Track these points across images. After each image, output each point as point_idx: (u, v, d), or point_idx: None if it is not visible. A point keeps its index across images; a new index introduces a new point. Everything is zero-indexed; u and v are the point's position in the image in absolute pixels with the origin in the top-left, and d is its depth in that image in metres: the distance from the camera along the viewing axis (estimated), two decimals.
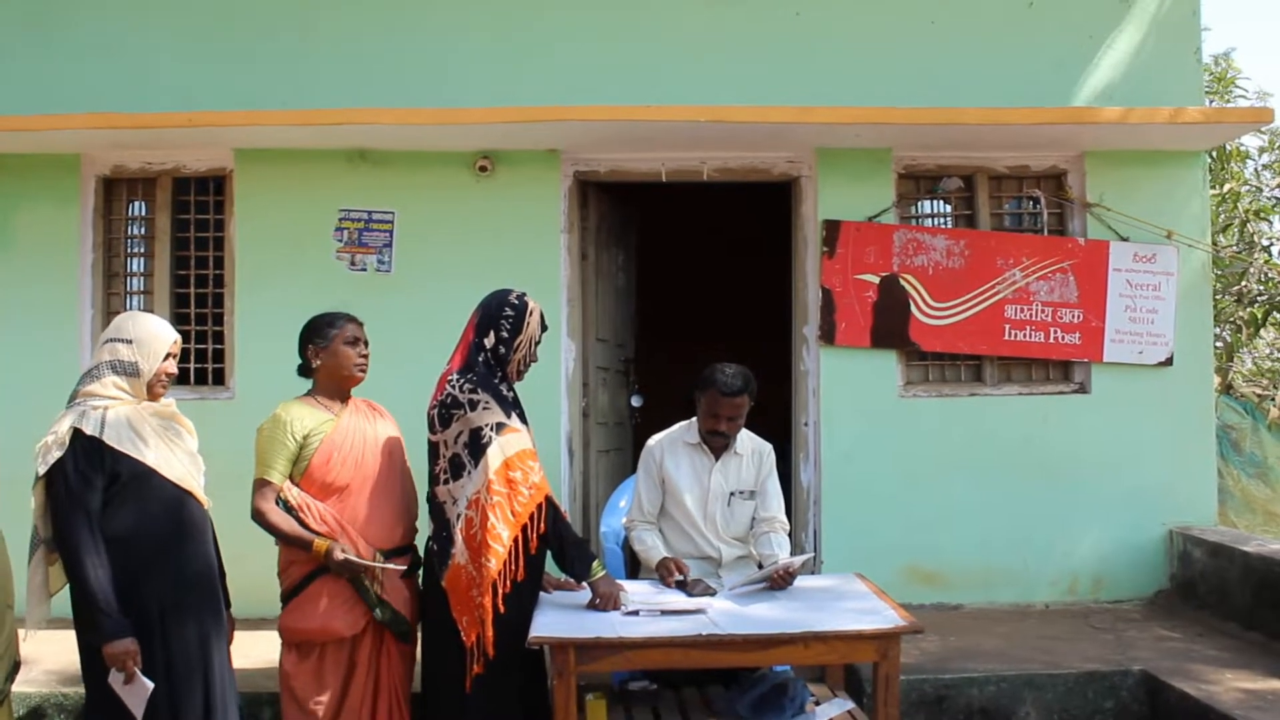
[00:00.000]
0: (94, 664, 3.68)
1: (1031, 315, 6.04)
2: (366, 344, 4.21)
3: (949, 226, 6.26)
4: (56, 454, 3.60)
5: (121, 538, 3.63)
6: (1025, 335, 6.05)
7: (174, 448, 3.79)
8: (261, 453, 4.01)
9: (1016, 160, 6.21)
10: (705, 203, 8.34)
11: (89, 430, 3.61)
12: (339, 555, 3.89)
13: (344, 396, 4.20)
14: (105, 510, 3.63)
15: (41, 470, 3.63)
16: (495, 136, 5.84)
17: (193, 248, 6.25)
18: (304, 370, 4.21)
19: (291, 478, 4.02)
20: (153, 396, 3.81)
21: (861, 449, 6.04)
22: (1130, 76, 6.17)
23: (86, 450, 3.60)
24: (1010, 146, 6.11)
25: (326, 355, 4.12)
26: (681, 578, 4.32)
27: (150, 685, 3.60)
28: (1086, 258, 6.06)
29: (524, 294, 4.10)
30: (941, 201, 6.31)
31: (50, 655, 4.95)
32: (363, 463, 4.09)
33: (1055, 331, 6.05)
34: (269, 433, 4.01)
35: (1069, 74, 6.16)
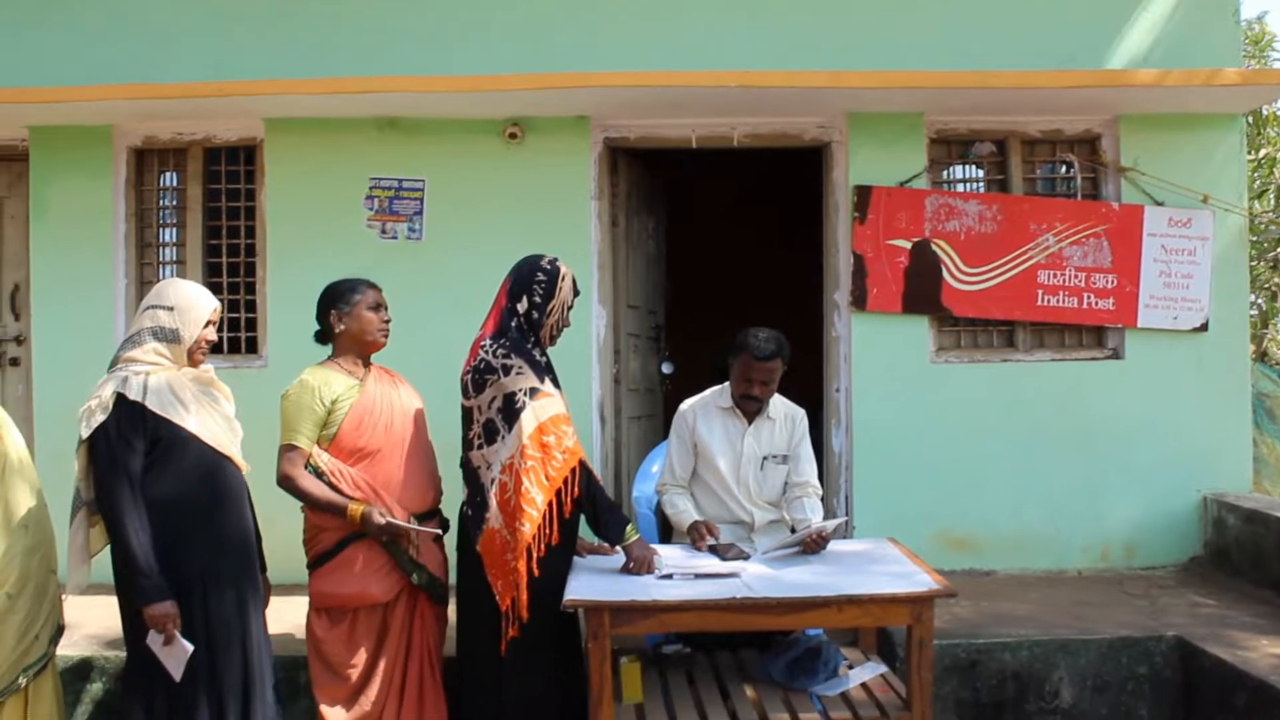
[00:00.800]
0: (135, 626, 3.73)
1: (1065, 280, 5.99)
2: (387, 309, 4.23)
3: (981, 191, 6.20)
4: (100, 418, 3.65)
5: (161, 502, 3.68)
6: (1058, 300, 6.00)
7: (213, 413, 3.84)
8: (288, 418, 4.02)
9: (1050, 124, 6.14)
10: (735, 169, 8.32)
11: (131, 395, 3.66)
12: (379, 519, 3.91)
13: (366, 362, 4.22)
14: (146, 474, 3.67)
15: (85, 434, 3.67)
16: (525, 103, 5.82)
17: (224, 217, 6.27)
18: (322, 336, 4.22)
19: (319, 444, 4.04)
20: (193, 363, 3.85)
21: (893, 415, 6.02)
22: (1166, 38, 6.07)
23: (129, 415, 3.65)
24: (1043, 110, 6.05)
25: (350, 320, 4.14)
26: (714, 541, 4.33)
27: (189, 648, 3.65)
28: (1120, 222, 6.00)
29: (556, 259, 4.10)
30: (974, 166, 6.26)
31: (92, 619, 5.03)
32: (392, 427, 4.11)
33: (1089, 297, 6.00)
34: (296, 397, 4.03)
35: (1103, 36, 6.07)
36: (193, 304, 3.84)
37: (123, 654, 4.45)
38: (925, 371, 6.04)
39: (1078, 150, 6.18)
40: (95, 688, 4.72)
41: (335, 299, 4.17)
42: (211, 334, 3.89)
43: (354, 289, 4.17)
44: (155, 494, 3.68)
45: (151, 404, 3.67)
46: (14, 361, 6.31)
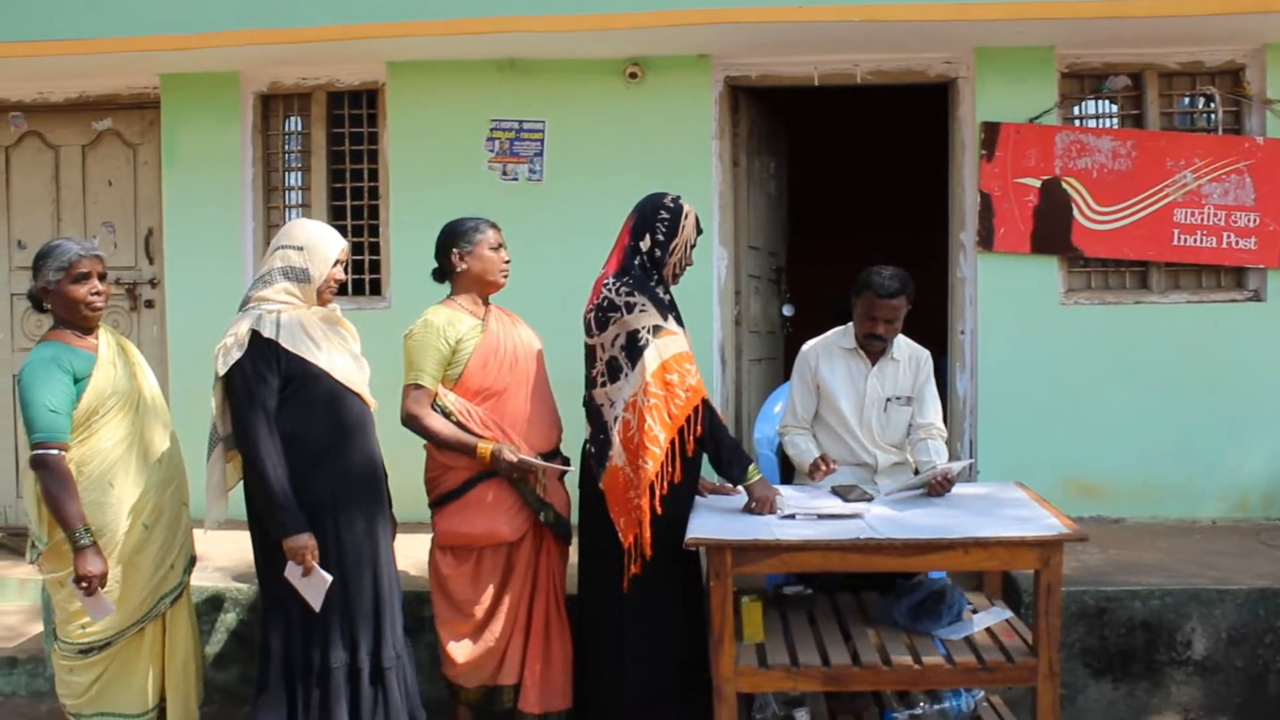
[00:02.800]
0: (269, 558, 3.85)
1: (1203, 219, 5.76)
2: (506, 249, 4.23)
3: (1115, 127, 5.98)
4: (236, 355, 3.76)
5: (293, 436, 3.77)
6: (1195, 240, 5.77)
7: (341, 350, 3.92)
8: (413, 357, 4.04)
9: (1189, 56, 5.87)
10: (858, 107, 8.16)
11: (265, 333, 3.75)
12: (510, 457, 3.94)
13: (486, 302, 4.22)
14: (279, 410, 3.76)
15: (221, 370, 3.80)
16: (645, 42, 5.76)
17: (348, 161, 6.35)
18: (440, 275, 4.24)
19: (443, 384, 4.07)
20: (322, 302, 3.93)
21: (1020, 358, 5.87)
22: None
23: (263, 351, 3.75)
24: (1183, 41, 5.78)
25: (472, 260, 4.14)
26: (834, 479, 4.29)
27: (328, 578, 3.75)
28: (1265, 158, 5.73)
29: (679, 197, 4.07)
30: (1107, 101, 6.03)
31: (223, 553, 5.19)
32: (516, 366, 4.12)
33: (1228, 236, 5.76)
34: (420, 337, 4.04)
35: None
36: (322, 243, 3.91)
37: (252, 585, 4.61)
38: (1054, 313, 5.87)
39: (1219, 82, 5.90)
40: (229, 618, 4.89)
41: (457, 238, 4.17)
42: (340, 273, 3.97)
43: (476, 228, 4.18)
44: (287, 428, 3.78)
45: (284, 340, 3.75)
46: (149, 304, 6.50)
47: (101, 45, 5.82)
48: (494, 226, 4.22)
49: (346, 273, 4.02)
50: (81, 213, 6.55)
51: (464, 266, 4.15)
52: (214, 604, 4.90)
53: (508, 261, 4.22)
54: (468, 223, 4.19)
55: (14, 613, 5.61)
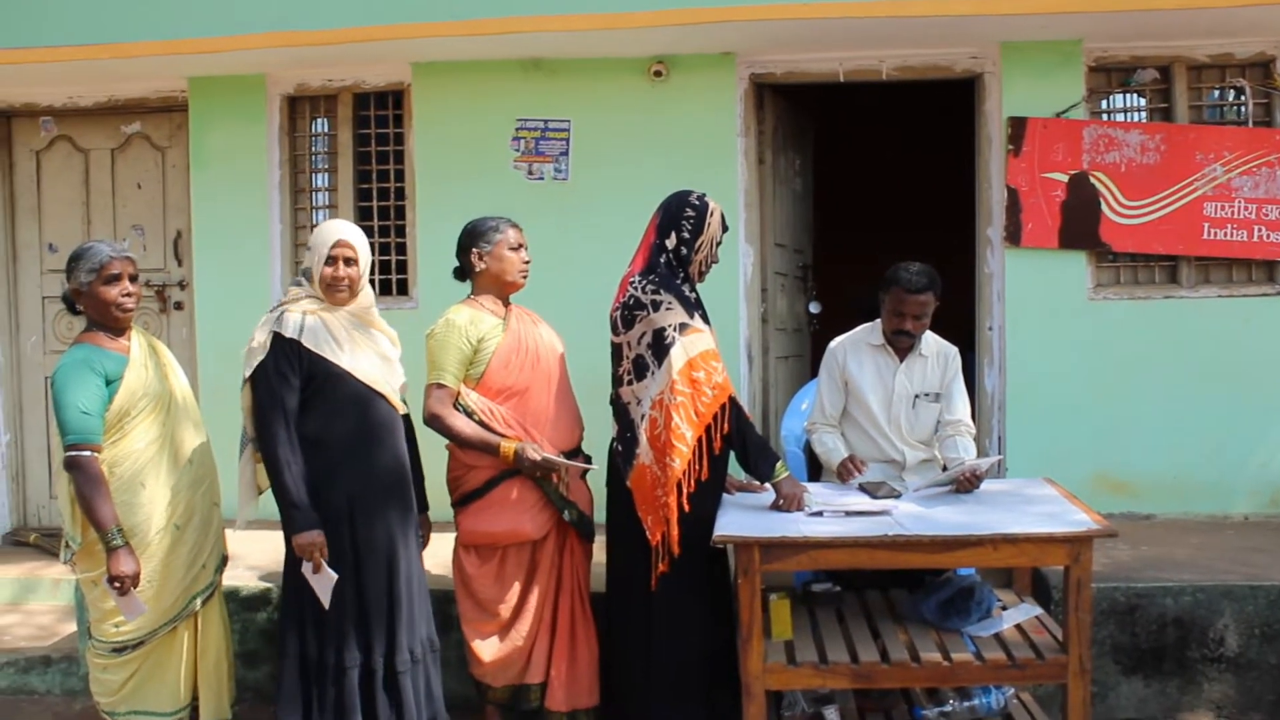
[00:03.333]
0: (290, 556, 3.89)
1: (1233, 213, 5.71)
2: (527, 249, 4.23)
3: (1143, 121, 5.93)
4: (259, 357, 3.82)
5: (315, 437, 3.82)
6: (1226, 234, 5.72)
7: (368, 351, 3.93)
8: (435, 357, 4.05)
9: (1219, 48, 5.82)
10: (882, 104, 8.14)
11: (287, 333, 3.79)
12: (534, 455, 3.95)
13: (506, 301, 4.23)
14: (302, 410, 3.79)
15: (247, 373, 3.86)
16: (669, 40, 5.76)
17: (374, 162, 6.38)
18: (461, 274, 4.25)
19: (465, 383, 4.08)
20: (335, 301, 3.93)
21: (1048, 354, 5.83)
22: None
23: (285, 352, 3.78)
24: (1212, 33, 5.73)
25: (491, 260, 4.14)
26: (864, 479, 4.28)
27: (334, 576, 3.78)
28: None
29: (704, 194, 4.07)
30: (1135, 95, 5.99)
31: (257, 552, 5.23)
32: (538, 365, 4.13)
33: (1260, 230, 5.70)
34: (442, 336, 4.05)
35: None
36: (319, 241, 3.94)
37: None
38: (1082, 309, 5.83)
39: (1249, 75, 5.85)
40: (260, 617, 4.91)
41: (476, 237, 4.18)
42: (338, 270, 3.90)
43: (496, 228, 4.18)
44: (309, 429, 3.82)
45: (306, 341, 3.80)
46: (178, 305, 6.55)
47: (130, 49, 5.86)
48: (514, 226, 4.22)
49: (376, 272, 4.03)
50: (111, 215, 6.61)
51: (483, 266, 4.16)
52: (246, 603, 4.92)
53: (527, 262, 4.22)
54: (488, 222, 4.20)
55: (47, 612, 5.66)
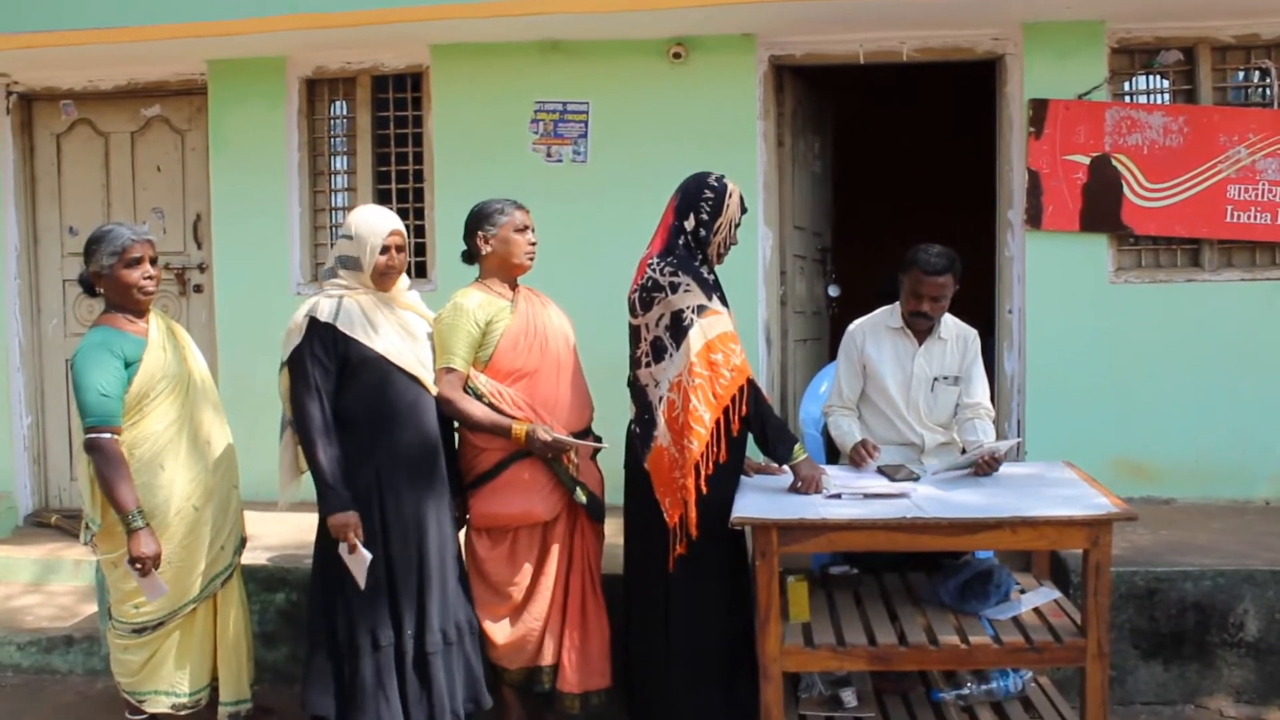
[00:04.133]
0: (322, 536, 3.91)
1: (1257, 195, 5.66)
2: (534, 231, 4.22)
3: (1166, 103, 5.88)
4: (296, 340, 3.85)
5: (350, 418, 3.85)
6: (1249, 217, 5.68)
7: (403, 335, 3.95)
8: (444, 340, 4.04)
9: (1244, 29, 5.75)
10: (903, 86, 8.10)
11: (323, 317, 3.82)
12: (545, 436, 3.94)
13: (513, 284, 4.22)
14: (337, 393, 3.82)
15: (285, 356, 3.89)
16: (689, 22, 5.74)
17: (393, 144, 6.38)
18: (469, 257, 4.24)
19: (474, 366, 4.07)
20: (381, 287, 3.96)
21: (1069, 337, 5.80)
22: None
23: (320, 336, 3.82)
24: (1237, 13, 5.67)
25: (497, 243, 4.13)
26: (880, 462, 4.27)
27: (369, 556, 3.80)
28: None
29: (723, 176, 4.05)
30: (1158, 77, 5.94)
31: (275, 533, 5.27)
32: (546, 347, 4.11)
33: None
34: (450, 320, 4.04)
35: None
36: (370, 231, 3.94)
37: (302, 565, 4.68)
38: (1103, 292, 5.79)
39: (1275, 56, 5.79)
40: (279, 597, 4.93)
41: (482, 220, 4.16)
42: (392, 259, 3.96)
43: (501, 210, 4.15)
44: (344, 411, 3.86)
45: (341, 325, 3.83)
46: (198, 288, 6.58)
47: (150, 33, 5.87)
48: (521, 208, 4.19)
49: (409, 255, 4.06)
50: (131, 199, 6.63)
51: (489, 249, 4.14)
52: (265, 584, 4.95)
53: (534, 243, 4.19)
54: (494, 204, 4.18)
55: (69, 593, 5.71)
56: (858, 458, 4.36)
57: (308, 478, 3.94)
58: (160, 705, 4.12)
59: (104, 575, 4.20)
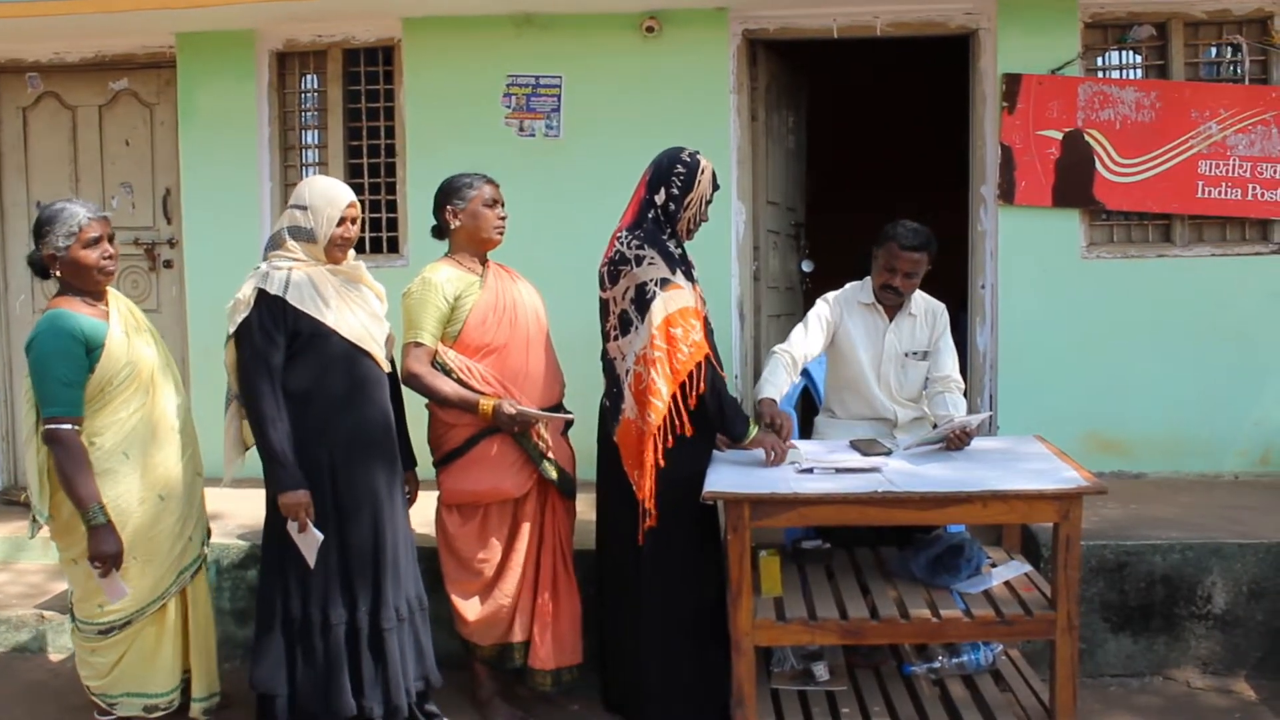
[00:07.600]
0: (273, 514, 3.85)
1: (1228, 171, 5.67)
2: (503, 205, 4.19)
3: (1139, 78, 5.89)
4: (243, 313, 3.73)
5: (300, 394, 3.77)
6: (1220, 192, 5.69)
7: (355, 309, 3.88)
8: (412, 315, 4.02)
9: (1216, 4, 5.75)
10: (876, 61, 8.10)
11: (272, 290, 3.73)
12: (510, 410, 3.93)
13: (483, 259, 4.19)
14: (286, 367, 3.75)
15: (231, 329, 3.78)
16: None
17: (364, 119, 6.33)
18: (439, 232, 4.22)
19: (442, 341, 4.05)
20: (332, 260, 3.88)
21: (1041, 312, 5.81)
22: None
23: (270, 309, 3.73)
24: None
25: (465, 217, 4.11)
26: (788, 438, 4.09)
27: (319, 536, 3.76)
28: None
29: (696, 152, 4.05)
30: (1131, 52, 5.94)
31: (244, 511, 5.24)
32: (516, 323, 4.10)
33: (1254, 188, 5.67)
34: (419, 295, 4.02)
35: None
36: (326, 202, 3.85)
37: None
38: (1075, 267, 5.80)
39: (1247, 31, 5.79)
40: (249, 575, 4.90)
41: (450, 194, 4.14)
42: (348, 231, 3.88)
43: (470, 184, 4.14)
44: (294, 386, 3.77)
45: (291, 298, 3.74)
46: (168, 264, 6.51)
47: (117, 4, 5.78)
48: (490, 182, 4.17)
49: (366, 230, 3.95)
50: (99, 173, 6.55)
51: (458, 224, 4.13)
52: (237, 562, 4.92)
53: (503, 218, 4.17)
54: (462, 179, 4.16)
55: (38, 571, 5.66)
56: (762, 413, 4.12)
57: (253, 453, 3.89)
58: (133, 708, 3.98)
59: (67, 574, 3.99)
